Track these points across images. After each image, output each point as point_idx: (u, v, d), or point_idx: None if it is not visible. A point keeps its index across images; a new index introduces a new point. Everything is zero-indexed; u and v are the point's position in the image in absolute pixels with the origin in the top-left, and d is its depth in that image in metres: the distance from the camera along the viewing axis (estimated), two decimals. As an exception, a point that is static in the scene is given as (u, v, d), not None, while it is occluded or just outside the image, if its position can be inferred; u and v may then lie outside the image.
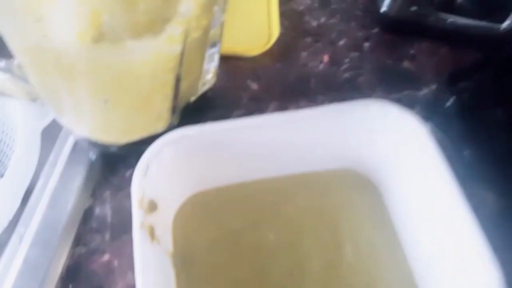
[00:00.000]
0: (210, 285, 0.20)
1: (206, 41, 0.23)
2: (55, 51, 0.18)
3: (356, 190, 0.22)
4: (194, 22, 0.18)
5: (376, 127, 0.21)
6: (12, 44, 0.19)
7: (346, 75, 0.36)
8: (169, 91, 0.21)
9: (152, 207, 0.18)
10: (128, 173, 0.28)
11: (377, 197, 0.22)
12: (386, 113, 0.20)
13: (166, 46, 0.18)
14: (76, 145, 0.28)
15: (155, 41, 0.17)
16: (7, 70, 0.22)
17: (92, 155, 0.28)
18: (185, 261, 0.20)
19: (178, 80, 0.21)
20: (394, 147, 0.21)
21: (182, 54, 0.19)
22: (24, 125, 0.32)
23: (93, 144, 0.27)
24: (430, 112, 0.34)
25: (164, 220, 0.19)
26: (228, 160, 0.21)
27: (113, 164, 0.28)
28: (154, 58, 0.18)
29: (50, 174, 0.27)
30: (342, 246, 0.21)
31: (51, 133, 0.31)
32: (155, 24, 0.17)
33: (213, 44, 0.24)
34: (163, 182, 0.19)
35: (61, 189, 0.26)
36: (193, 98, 0.26)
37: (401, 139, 0.20)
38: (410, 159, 0.20)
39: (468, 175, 0.29)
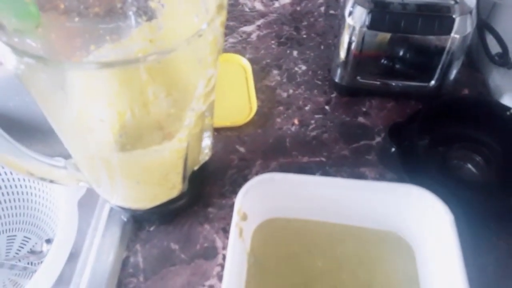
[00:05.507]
0: (269, 284, 0.28)
1: (202, 129, 0.32)
2: (103, 156, 0.28)
3: (392, 246, 0.30)
4: (193, 127, 0.28)
5: (413, 204, 0.28)
6: (75, 153, 0.28)
7: (314, 133, 0.46)
8: (180, 169, 0.31)
9: (244, 217, 0.26)
10: (152, 228, 0.37)
11: (410, 254, 0.29)
12: (422, 196, 0.28)
13: (177, 145, 0.28)
14: (111, 210, 0.37)
15: (169, 144, 0.27)
16: (64, 167, 0.31)
17: (124, 218, 0.37)
18: (256, 260, 0.28)
19: (185, 160, 0.31)
20: (426, 220, 0.28)
21: (187, 145, 0.29)
22: (66, 198, 0.41)
23: (125, 210, 0.36)
24: (381, 156, 0.44)
25: (249, 229, 0.28)
26: (297, 200, 0.30)
27: (140, 223, 0.37)
28: (169, 153, 0.28)
29: (94, 235, 0.36)
30: (372, 285, 0.28)
31: (89, 203, 0.40)
32: (168, 135, 0.26)
33: (207, 129, 0.34)
34: (253, 204, 0.27)
35: (103, 246, 0.35)
36: (196, 168, 0.36)
37: (431, 216, 0.28)
38: (435, 231, 0.27)
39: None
